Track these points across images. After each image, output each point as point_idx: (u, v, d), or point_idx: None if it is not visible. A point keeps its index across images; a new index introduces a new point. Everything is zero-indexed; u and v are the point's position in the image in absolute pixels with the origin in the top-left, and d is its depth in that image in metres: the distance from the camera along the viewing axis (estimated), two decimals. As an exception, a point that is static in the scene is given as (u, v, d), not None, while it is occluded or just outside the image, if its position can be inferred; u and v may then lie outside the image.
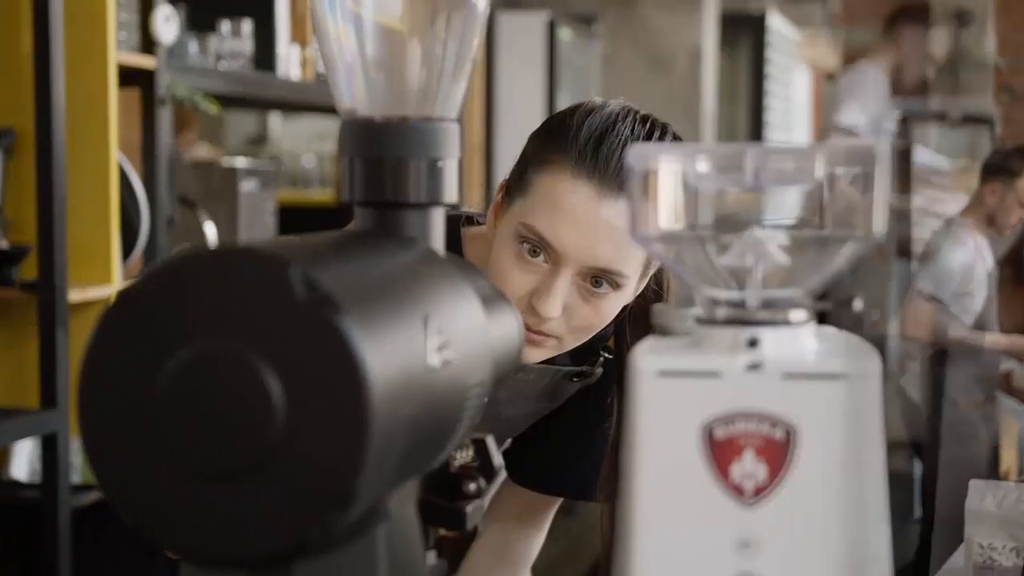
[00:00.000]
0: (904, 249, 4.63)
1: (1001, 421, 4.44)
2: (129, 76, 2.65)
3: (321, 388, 0.61)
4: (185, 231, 2.89)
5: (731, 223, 0.74)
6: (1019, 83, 10.06)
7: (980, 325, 4.33)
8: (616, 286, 1.25)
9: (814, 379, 0.68)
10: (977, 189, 4.48)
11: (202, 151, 3.88)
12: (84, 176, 2.50)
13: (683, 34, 5.56)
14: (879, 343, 4.60)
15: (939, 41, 4.52)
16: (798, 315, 0.71)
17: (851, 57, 10.06)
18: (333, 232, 0.79)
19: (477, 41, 0.85)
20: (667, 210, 0.72)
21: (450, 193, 0.83)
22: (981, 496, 1.96)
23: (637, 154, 0.72)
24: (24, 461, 2.61)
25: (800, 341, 0.70)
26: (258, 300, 0.62)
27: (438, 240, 0.83)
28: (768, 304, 0.72)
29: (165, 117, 2.69)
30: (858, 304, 0.83)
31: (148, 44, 2.68)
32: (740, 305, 0.72)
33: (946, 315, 4.30)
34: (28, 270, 2.43)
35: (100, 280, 2.53)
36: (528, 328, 1.26)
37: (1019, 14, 9.73)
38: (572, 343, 1.30)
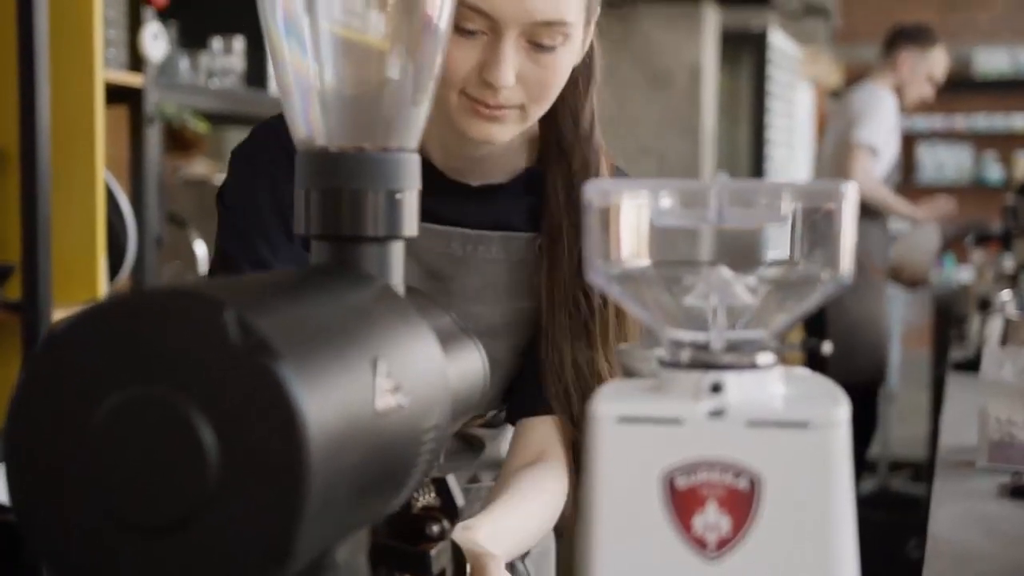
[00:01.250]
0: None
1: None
2: (117, 94, 2.62)
3: (256, 437, 0.58)
4: (174, 250, 2.86)
5: (695, 262, 0.71)
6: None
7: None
8: (563, 37, 1.21)
9: (780, 427, 0.65)
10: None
11: (200, 167, 3.86)
12: (70, 195, 2.48)
13: (683, 52, 5.53)
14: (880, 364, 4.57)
15: (940, 59, 4.52)
16: (764, 358, 0.68)
17: (853, 74, 10.05)
18: (284, 270, 0.76)
19: (438, 66, 0.82)
20: (627, 247, 0.69)
21: (410, 226, 0.81)
22: (998, 364, 1.83)
23: (596, 189, 0.69)
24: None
25: (766, 386, 0.68)
26: (192, 344, 0.59)
27: (397, 274, 0.80)
28: (733, 346, 0.69)
29: (153, 135, 2.67)
30: (827, 347, 0.81)
31: (137, 62, 2.66)
32: (704, 347, 0.69)
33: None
34: (12, 289, 2.40)
35: (86, 300, 2.50)
36: (486, 104, 1.22)
37: None
38: (537, 111, 1.26)
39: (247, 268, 1.28)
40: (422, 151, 1.27)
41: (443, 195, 1.34)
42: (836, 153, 4.44)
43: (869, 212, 4.46)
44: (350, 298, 0.72)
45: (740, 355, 0.68)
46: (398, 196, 0.79)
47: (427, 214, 1.28)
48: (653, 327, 0.70)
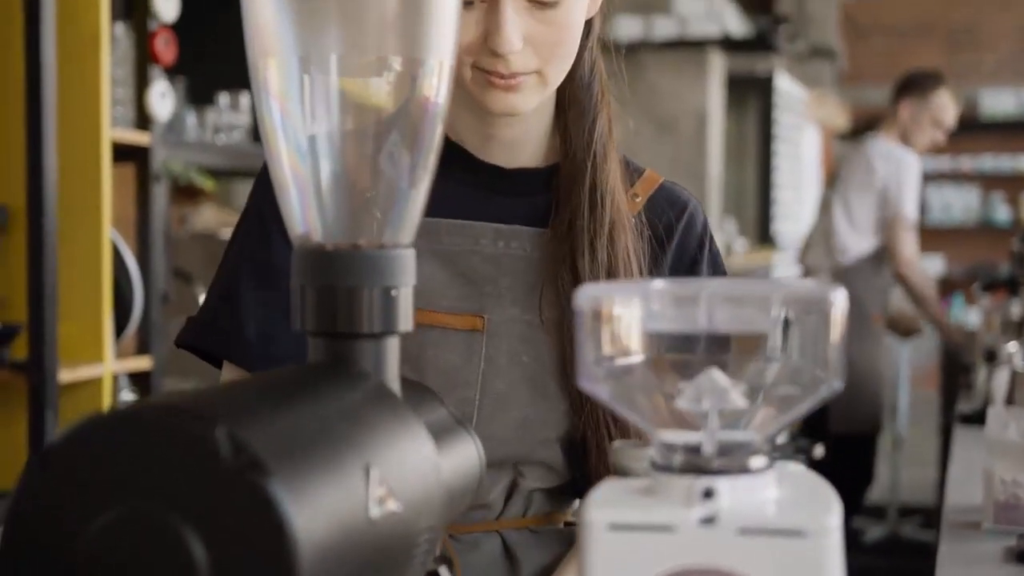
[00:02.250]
0: None
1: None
2: (124, 152, 2.64)
3: (248, 555, 0.58)
4: (180, 305, 2.87)
5: (687, 364, 0.71)
6: (866, 16, 10.07)
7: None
8: None
9: (772, 535, 0.65)
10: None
11: (208, 214, 3.87)
12: (77, 254, 2.49)
13: (689, 98, 5.55)
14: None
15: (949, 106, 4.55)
16: (757, 462, 0.68)
17: (859, 116, 10.09)
18: (278, 371, 0.76)
19: (432, 162, 0.83)
20: (618, 351, 0.70)
21: (405, 321, 0.81)
22: (1002, 424, 1.80)
23: (586, 295, 0.69)
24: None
25: (759, 491, 0.68)
26: (183, 462, 0.59)
27: (392, 370, 0.80)
28: (725, 449, 0.69)
29: (160, 193, 2.68)
30: (819, 451, 0.81)
31: (144, 120, 2.68)
32: (696, 450, 0.69)
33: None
34: (18, 349, 2.41)
35: (92, 359, 2.50)
36: (500, 75, 1.15)
37: None
38: (556, 74, 1.18)
39: (247, 279, 1.24)
40: (451, 135, 1.26)
41: (474, 180, 1.26)
42: (877, 218, 4.44)
43: (872, 261, 4.46)
44: (343, 401, 0.72)
45: (732, 459, 0.68)
46: (393, 292, 0.79)
47: (456, 206, 1.25)
48: (645, 429, 0.70)
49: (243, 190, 3.48)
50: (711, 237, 1.31)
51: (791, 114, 7.88)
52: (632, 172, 1.30)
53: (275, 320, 1.21)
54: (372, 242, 0.80)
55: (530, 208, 1.26)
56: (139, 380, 2.75)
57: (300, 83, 0.79)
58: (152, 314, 2.69)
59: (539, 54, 1.15)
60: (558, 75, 1.18)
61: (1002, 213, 10.22)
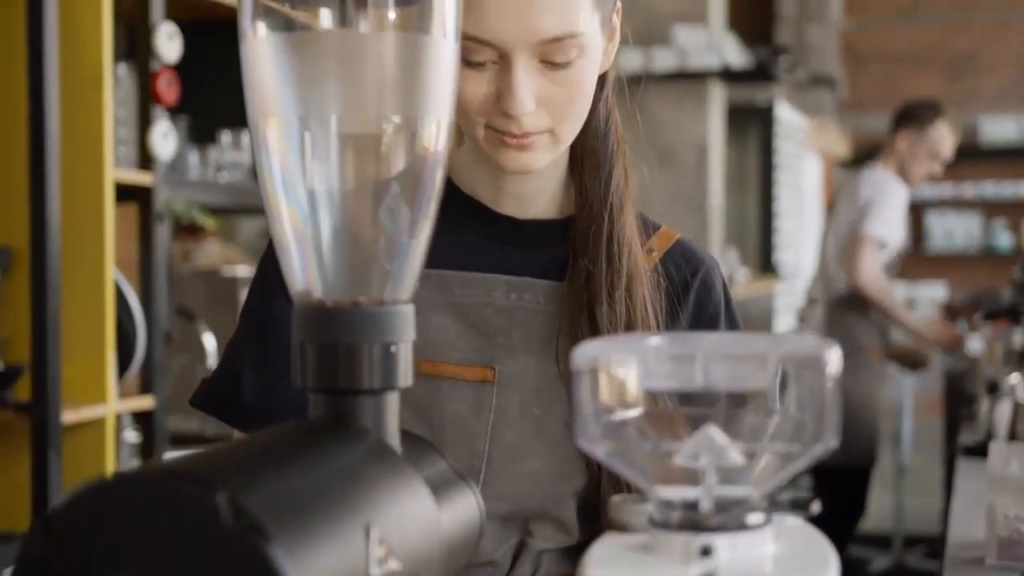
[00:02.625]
0: None
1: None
2: (127, 191, 2.66)
3: (249, 619, 0.59)
4: (184, 343, 2.88)
5: (685, 420, 0.72)
6: (866, 44, 10.09)
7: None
8: (578, 50, 1.13)
9: (769, 593, 0.65)
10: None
11: (212, 250, 3.89)
12: (80, 294, 2.50)
13: (690, 129, 5.57)
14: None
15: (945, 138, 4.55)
16: (755, 518, 0.69)
17: (860, 144, 10.12)
18: (279, 429, 0.77)
19: (431, 217, 0.83)
20: (616, 410, 0.70)
21: (405, 376, 0.82)
22: (1004, 460, 1.80)
23: (583, 354, 0.70)
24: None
25: (756, 547, 0.68)
26: (184, 526, 0.60)
27: (392, 425, 0.81)
28: (723, 505, 0.69)
29: (162, 232, 2.70)
30: (816, 507, 0.81)
31: (146, 160, 2.69)
32: (694, 506, 0.69)
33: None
34: (22, 390, 2.41)
35: (95, 400, 2.51)
36: (512, 135, 1.15)
37: None
38: (568, 132, 1.17)
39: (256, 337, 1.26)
40: (466, 188, 1.27)
41: (488, 232, 1.26)
42: (848, 242, 4.47)
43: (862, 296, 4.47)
44: (343, 460, 0.73)
45: (730, 515, 0.68)
46: (393, 348, 0.80)
47: (470, 258, 1.25)
48: (642, 487, 0.71)
49: (246, 226, 3.49)
50: (729, 297, 1.30)
51: (792, 143, 7.90)
52: (648, 226, 1.29)
53: (274, 381, 1.21)
54: (372, 298, 0.81)
55: (544, 260, 1.25)
56: (142, 419, 2.75)
57: (300, 142, 0.80)
58: (155, 353, 2.69)
59: (551, 113, 1.15)
60: (571, 133, 1.18)
61: (1004, 239, 10.23)
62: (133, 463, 2.81)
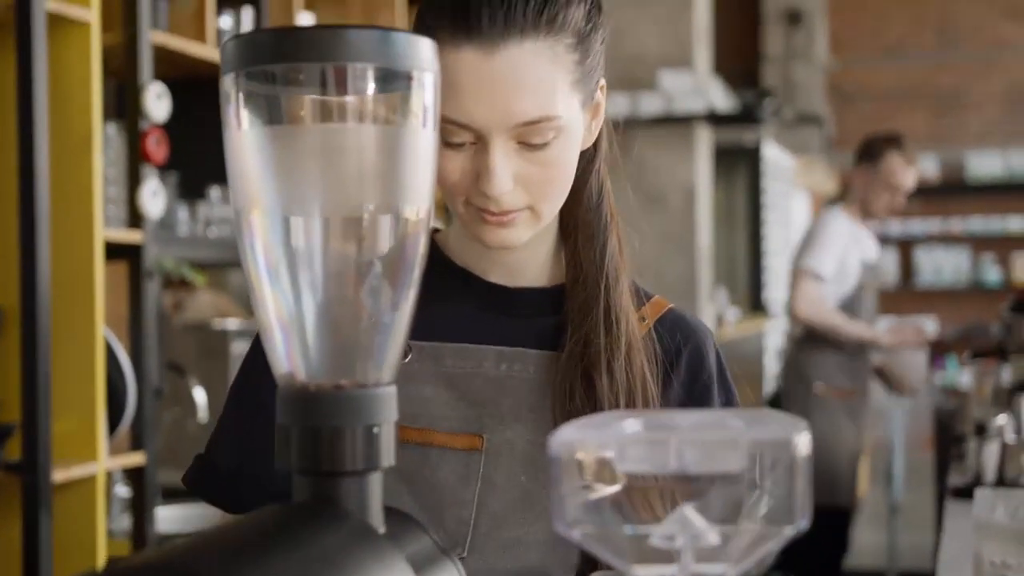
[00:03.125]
0: None
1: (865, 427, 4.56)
2: (117, 250, 2.67)
3: None
4: (175, 398, 2.89)
5: (661, 502, 0.73)
6: (849, 84, 10.16)
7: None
8: (555, 131, 1.14)
9: (743, 675, 0.67)
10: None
11: (204, 299, 3.90)
12: (70, 353, 2.51)
13: (677, 171, 5.61)
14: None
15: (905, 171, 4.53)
16: (730, 599, 0.70)
17: (848, 180, 10.18)
18: (263, 513, 0.78)
19: (410, 304, 0.85)
20: (591, 492, 0.72)
21: (387, 457, 0.83)
22: (990, 506, 1.80)
23: (560, 441, 0.72)
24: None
25: (732, 626, 0.70)
26: (170, 621, 0.61)
27: (375, 505, 0.82)
28: (699, 586, 0.71)
29: (152, 290, 2.71)
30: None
31: (136, 218, 2.71)
32: (671, 587, 0.71)
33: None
34: (12, 450, 2.42)
35: (86, 458, 2.52)
36: (491, 213, 1.16)
37: (851, 15, 9.84)
38: (549, 209, 1.19)
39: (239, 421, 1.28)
40: (457, 260, 1.28)
41: (479, 302, 1.28)
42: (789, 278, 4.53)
43: (817, 334, 4.44)
44: (325, 545, 0.74)
45: (706, 596, 0.70)
46: (375, 430, 0.82)
47: (461, 328, 1.26)
48: (620, 567, 0.73)
49: (237, 277, 3.51)
50: (723, 367, 1.30)
51: (780, 181, 7.95)
52: (640, 295, 1.30)
53: (257, 463, 1.23)
54: (355, 381, 0.83)
55: (537, 328, 1.26)
56: (133, 475, 2.76)
57: (283, 230, 0.82)
58: (146, 410, 2.70)
59: (530, 192, 1.16)
60: (551, 210, 1.19)
61: (993, 274, 10.28)
62: (124, 519, 2.81)
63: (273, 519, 0.78)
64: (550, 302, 1.28)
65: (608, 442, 0.72)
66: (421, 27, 1.16)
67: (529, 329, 1.26)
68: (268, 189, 0.82)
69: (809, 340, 4.44)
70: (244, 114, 0.81)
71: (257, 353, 1.29)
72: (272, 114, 0.83)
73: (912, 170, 4.48)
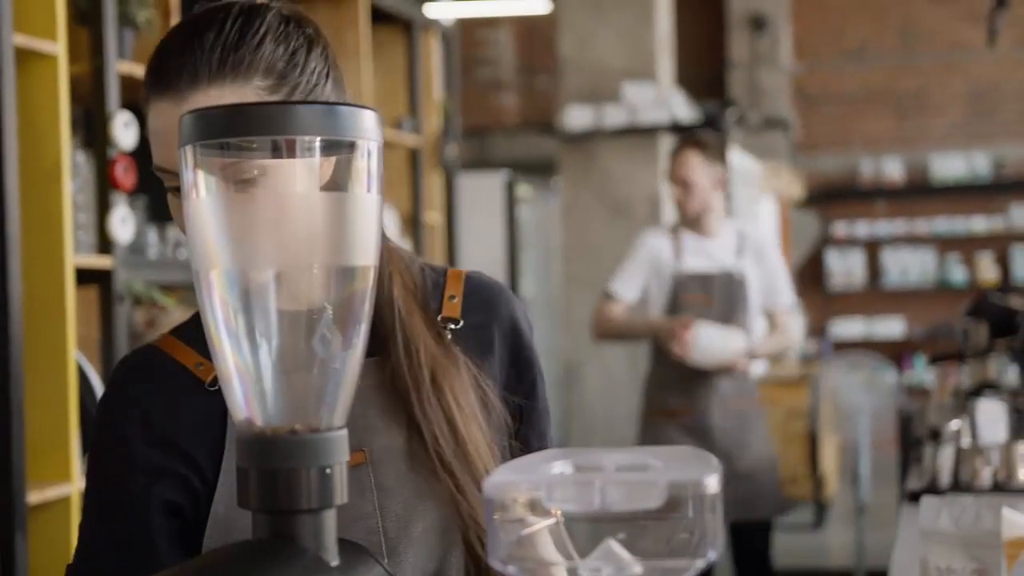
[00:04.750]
0: None
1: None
2: (87, 275, 2.73)
3: None
4: (147, 417, 2.94)
5: (586, 536, 0.80)
6: (816, 86, 10.29)
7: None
8: (261, 169, 1.11)
9: None
10: None
11: (177, 316, 3.94)
12: (42, 377, 2.56)
13: (641, 181, 5.69)
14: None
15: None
16: (651, 625, 0.77)
17: (814, 184, 10.30)
18: (225, 550, 0.85)
19: (359, 353, 0.92)
20: (524, 530, 0.79)
21: (340, 495, 0.90)
22: (935, 513, 1.86)
23: (493, 483, 0.78)
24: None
25: (652, 651, 0.77)
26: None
27: (330, 539, 0.89)
28: (623, 613, 0.78)
29: (122, 314, 2.77)
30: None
31: (105, 243, 2.77)
32: (597, 615, 0.78)
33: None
34: (-14, 474, 2.47)
35: (59, 479, 2.57)
36: None
37: (814, 19, 9.96)
38: None
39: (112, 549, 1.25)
40: None
41: None
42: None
43: (656, 358, 4.23)
44: (284, 579, 0.81)
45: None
46: (328, 471, 0.89)
47: None
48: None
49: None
50: (524, 325, 1.37)
51: (746, 187, 8.04)
52: (437, 274, 1.35)
53: (135, 560, 1.23)
54: (308, 425, 0.89)
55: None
56: (107, 494, 2.81)
57: (239, 287, 0.89)
58: (118, 430, 2.75)
59: None
60: None
61: (958, 274, 10.42)
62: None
63: (234, 556, 0.85)
64: None
65: (538, 483, 0.79)
66: (142, 96, 1.24)
67: None
68: (224, 250, 0.88)
69: (649, 368, 4.24)
70: (201, 182, 0.87)
71: (108, 445, 1.28)
72: (226, 183, 0.89)
73: (673, 159, 4.17)
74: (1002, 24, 5.11)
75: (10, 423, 2.43)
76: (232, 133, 0.87)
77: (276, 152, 0.89)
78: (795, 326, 4.29)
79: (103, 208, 2.75)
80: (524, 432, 1.35)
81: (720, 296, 4.15)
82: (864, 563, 5.60)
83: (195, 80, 1.18)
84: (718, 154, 4.16)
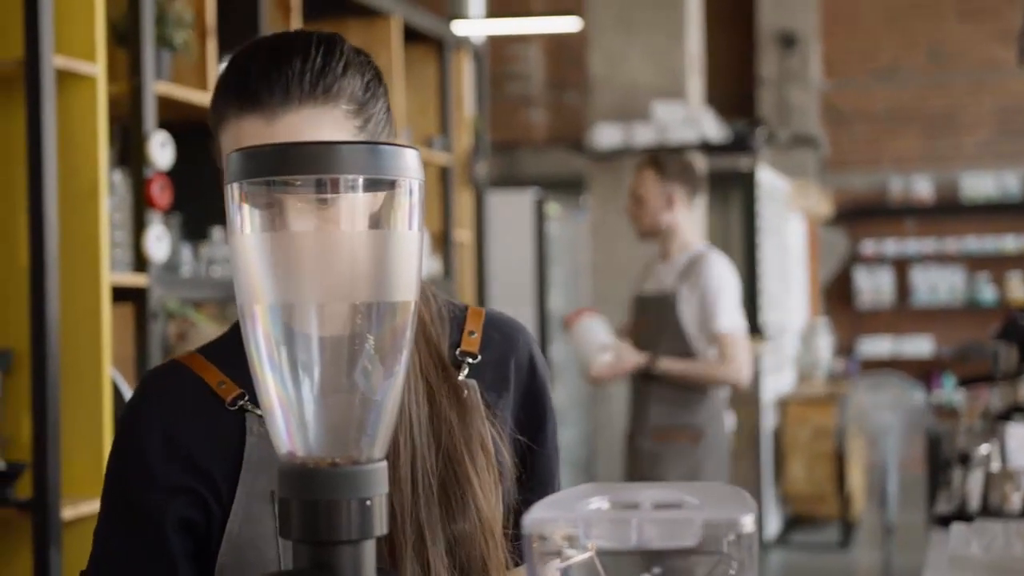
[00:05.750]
0: None
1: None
2: (123, 292, 2.76)
3: None
4: (179, 433, 2.97)
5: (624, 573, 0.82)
6: (846, 104, 10.24)
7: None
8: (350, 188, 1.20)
9: None
10: None
11: (208, 331, 3.97)
12: (78, 394, 2.59)
13: (671, 199, 5.69)
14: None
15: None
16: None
17: (843, 201, 10.28)
18: (268, 579, 0.87)
19: (399, 385, 0.94)
20: (561, 564, 0.80)
21: (380, 526, 0.92)
22: (966, 541, 1.87)
23: (532, 520, 0.80)
24: None
25: None
26: None
27: (369, 570, 0.91)
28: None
29: (157, 331, 2.80)
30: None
31: (141, 262, 2.80)
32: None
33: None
34: (23, 488, 2.50)
35: (94, 495, 2.60)
36: None
37: (844, 37, 9.91)
38: None
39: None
40: None
41: None
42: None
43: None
44: (324, 613, 0.82)
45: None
46: (368, 503, 0.90)
47: None
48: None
49: (236, 311, 3.58)
50: (545, 368, 1.38)
51: (775, 205, 8.03)
52: (455, 310, 1.36)
53: (136, 571, 1.24)
54: (349, 457, 0.91)
55: None
56: (139, 510, 2.85)
57: (283, 322, 0.91)
58: (151, 446, 2.79)
59: None
60: None
61: (988, 293, 10.36)
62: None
63: (275, 586, 0.86)
64: None
65: (575, 520, 0.80)
66: (213, 106, 1.25)
67: None
68: (268, 286, 0.90)
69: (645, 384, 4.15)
70: (246, 219, 0.89)
71: (131, 467, 1.28)
72: (271, 220, 0.91)
73: (634, 178, 4.21)
74: (1033, 44, 5.09)
75: (46, 439, 2.46)
76: (279, 172, 0.89)
77: (320, 190, 0.91)
78: (739, 357, 4.08)
79: (139, 226, 2.79)
80: (529, 474, 1.35)
81: (653, 318, 4.14)
82: (892, 586, 5.59)
83: (287, 100, 1.20)
84: (676, 175, 4.16)
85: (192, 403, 1.29)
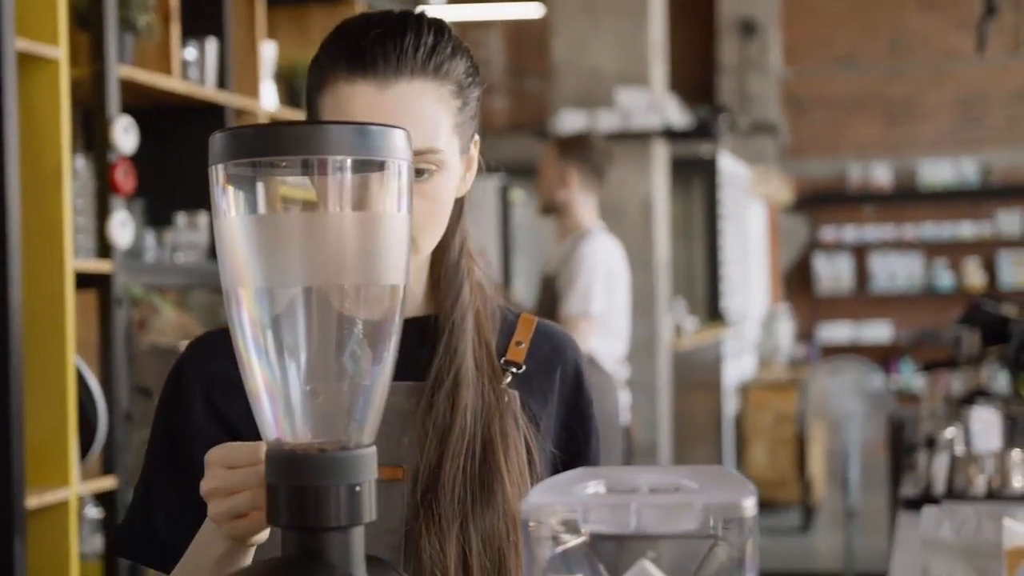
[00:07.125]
0: None
1: None
2: (86, 279, 2.73)
3: None
4: (144, 420, 2.94)
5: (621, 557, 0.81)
6: (806, 92, 10.31)
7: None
8: (437, 165, 1.22)
9: None
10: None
11: (168, 316, 3.93)
12: (42, 381, 2.55)
13: (634, 186, 5.70)
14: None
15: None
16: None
17: (803, 188, 10.33)
18: (254, 567, 0.85)
19: (389, 366, 0.92)
20: (558, 549, 0.79)
21: (369, 512, 0.90)
22: (936, 523, 1.87)
23: (529, 503, 0.79)
24: None
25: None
26: None
27: (358, 556, 0.89)
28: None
29: (121, 317, 2.77)
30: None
31: (105, 248, 2.76)
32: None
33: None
34: (-15, 478, 2.46)
35: (58, 483, 2.57)
36: None
37: (804, 25, 9.98)
38: (426, 242, 1.25)
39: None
40: None
41: None
42: None
43: None
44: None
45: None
46: (357, 488, 0.89)
47: None
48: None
49: (201, 298, 3.55)
50: (585, 373, 1.39)
51: (736, 191, 8.06)
52: (507, 320, 1.37)
53: (189, 517, 1.22)
54: (337, 443, 0.90)
55: (417, 359, 1.29)
56: (104, 499, 2.81)
57: (268, 306, 0.89)
58: (116, 434, 2.75)
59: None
60: (428, 244, 1.26)
61: (945, 279, 10.45)
62: (96, 541, 2.86)
63: (263, 572, 0.85)
64: (424, 331, 1.31)
65: (573, 505, 0.79)
66: (317, 69, 1.25)
67: (409, 359, 1.25)
68: (254, 268, 0.89)
69: None
70: (231, 201, 0.88)
71: (172, 406, 1.30)
72: (256, 201, 0.90)
73: (541, 157, 4.27)
74: (991, 32, 5.13)
75: (9, 426, 2.43)
76: (263, 152, 0.87)
77: (306, 170, 0.89)
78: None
79: (102, 212, 2.75)
80: None
81: (545, 299, 4.14)
82: (853, 567, 5.61)
83: (399, 69, 1.21)
84: (574, 155, 4.17)
85: (236, 370, 1.26)
